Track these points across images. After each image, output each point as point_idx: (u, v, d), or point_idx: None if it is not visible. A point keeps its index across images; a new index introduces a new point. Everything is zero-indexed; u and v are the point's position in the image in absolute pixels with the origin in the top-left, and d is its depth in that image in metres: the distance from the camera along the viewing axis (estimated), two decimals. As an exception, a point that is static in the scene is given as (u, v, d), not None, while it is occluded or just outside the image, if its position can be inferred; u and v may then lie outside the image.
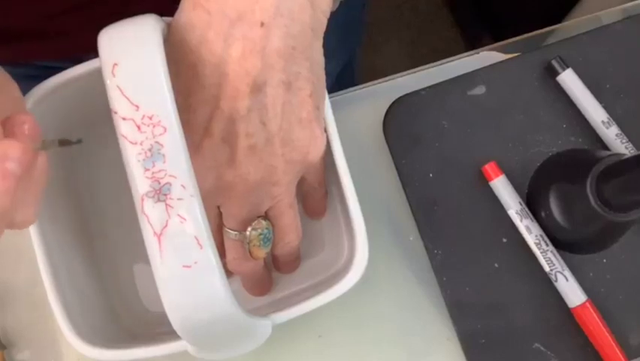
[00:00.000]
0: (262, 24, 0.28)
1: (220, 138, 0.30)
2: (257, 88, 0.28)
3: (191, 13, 0.29)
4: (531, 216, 0.39)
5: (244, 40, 0.28)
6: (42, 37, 0.39)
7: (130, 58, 0.26)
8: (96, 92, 0.27)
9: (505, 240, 0.40)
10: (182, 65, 0.29)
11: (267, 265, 0.39)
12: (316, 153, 0.32)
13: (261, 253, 0.34)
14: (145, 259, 0.25)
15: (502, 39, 0.45)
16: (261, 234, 0.33)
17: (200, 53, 0.29)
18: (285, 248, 0.35)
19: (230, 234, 0.33)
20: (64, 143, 0.26)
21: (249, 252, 0.34)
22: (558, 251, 0.39)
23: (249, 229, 0.33)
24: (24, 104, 0.29)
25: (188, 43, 0.29)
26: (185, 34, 0.29)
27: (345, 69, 0.63)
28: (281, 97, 0.29)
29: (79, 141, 0.26)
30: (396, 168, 0.41)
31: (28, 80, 0.32)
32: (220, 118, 0.29)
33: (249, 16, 0.28)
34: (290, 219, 0.34)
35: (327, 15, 0.30)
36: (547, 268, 0.38)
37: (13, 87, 0.28)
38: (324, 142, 0.32)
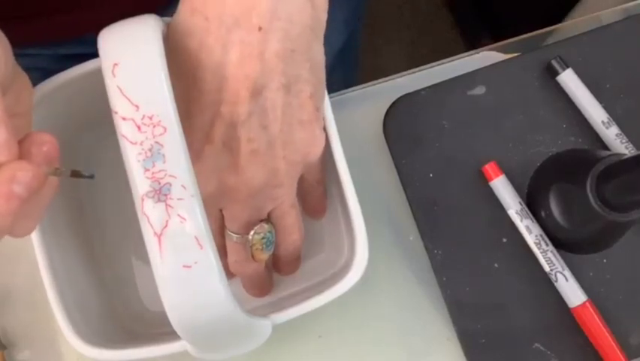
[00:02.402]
0: (260, 28, 0.28)
1: (221, 144, 0.30)
2: (257, 92, 0.28)
3: (189, 19, 0.29)
4: (531, 216, 0.39)
5: (242, 44, 0.28)
6: (42, 16, 0.39)
7: (130, 58, 0.26)
8: (96, 92, 0.27)
9: (505, 240, 0.40)
10: (182, 70, 0.29)
11: (268, 267, 0.39)
12: (315, 152, 0.32)
13: (264, 256, 0.34)
14: (145, 259, 0.25)
15: (502, 39, 0.45)
16: (263, 238, 0.33)
17: (199, 58, 0.29)
18: (289, 248, 0.36)
19: (233, 237, 0.33)
20: (76, 174, 0.26)
21: (252, 255, 0.34)
22: (558, 251, 0.39)
23: (252, 232, 0.33)
24: (31, 110, 0.29)
25: (188, 49, 0.29)
26: (184, 39, 0.29)
27: (350, 40, 0.63)
28: (281, 100, 0.29)
29: (91, 176, 0.26)
30: (396, 168, 0.41)
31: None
32: (221, 123, 0.29)
33: (246, 22, 0.28)
34: (293, 219, 0.34)
35: (327, 10, 0.30)
36: (547, 268, 0.38)
37: (29, 92, 0.28)
38: (323, 141, 0.32)
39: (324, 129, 0.33)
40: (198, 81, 0.29)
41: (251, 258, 0.34)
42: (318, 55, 0.31)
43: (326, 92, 0.33)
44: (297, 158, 0.31)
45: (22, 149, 0.24)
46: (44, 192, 0.25)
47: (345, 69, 0.44)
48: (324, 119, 0.33)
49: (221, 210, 0.33)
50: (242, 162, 0.30)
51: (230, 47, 0.28)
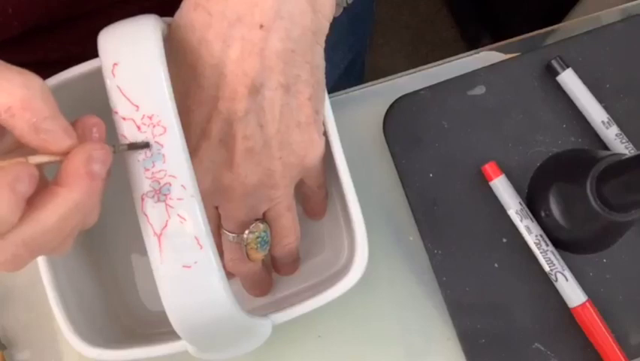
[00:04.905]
0: (261, 26, 0.28)
1: (217, 140, 0.30)
2: (255, 90, 0.28)
3: (192, 14, 0.29)
4: (531, 216, 0.39)
5: (243, 41, 0.28)
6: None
7: (130, 58, 0.26)
8: (96, 92, 0.27)
9: (505, 240, 0.40)
10: (182, 65, 0.29)
11: (267, 267, 0.39)
12: (313, 156, 0.32)
13: (258, 255, 0.34)
14: (145, 259, 0.25)
15: (502, 39, 0.45)
16: (258, 237, 0.33)
17: (199, 53, 0.29)
18: (284, 250, 0.35)
19: (228, 236, 0.33)
20: (132, 147, 0.26)
21: (247, 254, 0.34)
22: (558, 251, 0.39)
23: (247, 232, 0.33)
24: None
25: (188, 44, 0.29)
26: (186, 34, 0.29)
27: (355, 61, 0.63)
28: (279, 100, 0.29)
29: (146, 145, 0.26)
30: (396, 168, 0.41)
31: None
32: (218, 119, 0.29)
33: (249, 18, 0.28)
34: (288, 221, 0.34)
35: (330, 19, 0.30)
36: (547, 268, 0.38)
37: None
38: (322, 146, 0.32)
39: (325, 132, 0.33)
40: (198, 76, 0.29)
41: (246, 257, 0.34)
42: (319, 58, 0.31)
43: (326, 94, 0.33)
44: (293, 160, 0.31)
45: (77, 133, 0.25)
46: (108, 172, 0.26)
47: (350, 84, 0.44)
48: (324, 120, 0.33)
49: (217, 209, 0.33)
50: (237, 159, 0.30)
51: (230, 43, 0.28)
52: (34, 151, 0.24)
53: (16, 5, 0.32)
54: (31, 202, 0.23)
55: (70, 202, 0.23)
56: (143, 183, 0.26)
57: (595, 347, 0.38)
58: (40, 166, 0.24)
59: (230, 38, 0.28)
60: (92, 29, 0.28)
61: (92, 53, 0.28)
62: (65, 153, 0.24)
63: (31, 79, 0.23)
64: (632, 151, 0.39)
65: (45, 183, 0.24)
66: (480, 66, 0.42)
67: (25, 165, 0.22)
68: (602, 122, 0.40)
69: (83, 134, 0.25)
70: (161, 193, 0.26)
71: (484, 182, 0.40)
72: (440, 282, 0.40)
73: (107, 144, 0.25)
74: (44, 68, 0.31)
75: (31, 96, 0.23)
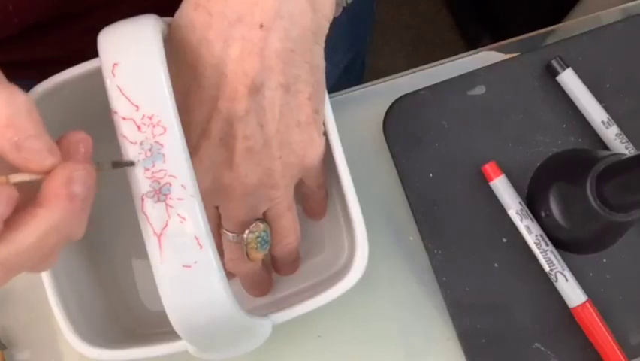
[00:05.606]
0: (261, 26, 0.28)
1: (218, 139, 0.30)
2: (255, 89, 0.28)
3: (192, 14, 0.29)
4: (531, 216, 0.39)
5: (243, 41, 0.28)
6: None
7: (130, 58, 0.26)
8: (96, 92, 0.27)
9: (505, 240, 0.40)
10: (182, 65, 0.29)
11: (267, 266, 0.39)
12: (313, 156, 0.32)
13: (258, 255, 0.34)
14: (145, 259, 0.25)
15: (502, 39, 0.45)
16: (258, 237, 0.33)
17: (199, 53, 0.29)
18: (284, 250, 0.35)
19: (228, 236, 0.33)
20: (117, 165, 0.26)
21: (247, 254, 0.34)
22: (558, 251, 0.39)
23: (247, 231, 0.33)
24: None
25: (189, 44, 0.29)
26: (186, 34, 0.29)
27: (355, 60, 0.63)
28: (279, 99, 0.29)
29: (131, 163, 0.26)
30: (396, 168, 0.41)
31: None
32: (218, 119, 0.29)
33: (249, 18, 0.28)
34: (288, 221, 0.34)
35: (329, 19, 0.30)
36: (547, 268, 0.38)
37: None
38: (322, 146, 0.32)
39: (325, 132, 0.33)
40: (198, 76, 0.29)
41: (246, 257, 0.34)
42: (318, 58, 0.31)
43: (326, 94, 0.33)
44: (293, 160, 0.31)
45: (62, 150, 0.24)
46: (92, 190, 0.25)
47: (350, 84, 0.44)
48: (324, 120, 0.33)
49: (217, 209, 0.33)
50: (237, 158, 0.30)
51: (231, 43, 0.28)
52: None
53: (16, 3, 0.32)
54: (10, 222, 0.22)
55: (49, 223, 0.23)
56: (143, 183, 0.26)
57: (595, 347, 0.38)
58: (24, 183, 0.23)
59: (230, 38, 0.28)
60: (91, 27, 0.28)
61: (92, 50, 0.28)
62: (48, 172, 0.23)
63: (16, 95, 0.23)
64: (632, 151, 0.39)
65: (30, 198, 0.24)
66: (480, 66, 0.42)
67: (3, 187, 0.22)
68: (602, 122, 0.40)
69: (68, 150, 0.25)
70: (161, 193, 0.26)
71: (484, 182, 0.40)
72: (440, 282, 0.40)
73: (89, 164, 0.25)
74: (43, 66, 0.31)
75: (15, 113, 0.22)
